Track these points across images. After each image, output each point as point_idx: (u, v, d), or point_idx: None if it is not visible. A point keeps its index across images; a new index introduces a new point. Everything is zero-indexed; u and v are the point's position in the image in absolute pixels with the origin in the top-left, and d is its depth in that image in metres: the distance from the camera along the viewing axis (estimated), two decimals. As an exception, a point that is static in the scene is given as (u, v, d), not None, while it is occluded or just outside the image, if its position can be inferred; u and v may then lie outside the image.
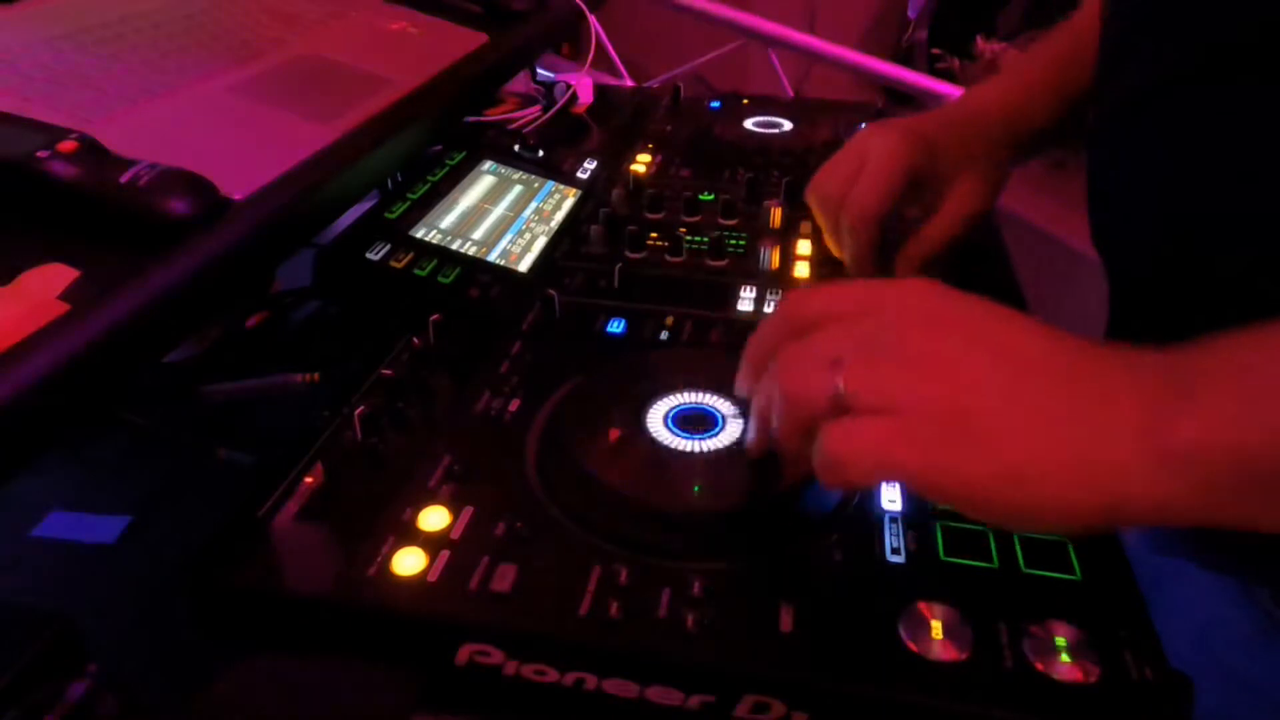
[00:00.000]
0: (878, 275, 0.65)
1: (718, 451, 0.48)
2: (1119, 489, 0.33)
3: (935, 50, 2.40)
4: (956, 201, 0.66)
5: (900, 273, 0.67)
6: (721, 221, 0.77)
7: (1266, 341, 0.33)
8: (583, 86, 0.99)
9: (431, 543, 0.44)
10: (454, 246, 0.70)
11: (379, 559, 0.43)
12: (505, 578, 0.42)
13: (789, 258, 0.72)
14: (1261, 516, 0.33)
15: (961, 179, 0.66)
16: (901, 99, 1.46)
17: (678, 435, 0.50)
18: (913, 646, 0.39)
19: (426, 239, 0.70)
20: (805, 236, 0.74)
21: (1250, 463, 0.31)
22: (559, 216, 0.78)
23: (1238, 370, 0.33)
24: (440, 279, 0.66)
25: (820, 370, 0.37)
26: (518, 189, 0.80)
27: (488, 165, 0.82)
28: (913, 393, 0.35)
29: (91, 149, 0.53)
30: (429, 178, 0.77)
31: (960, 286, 0.39)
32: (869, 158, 0.63)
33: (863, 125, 0.95)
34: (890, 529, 0.46)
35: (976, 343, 0.36)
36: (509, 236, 0.73)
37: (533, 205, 0.79)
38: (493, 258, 0.70)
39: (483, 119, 0.92)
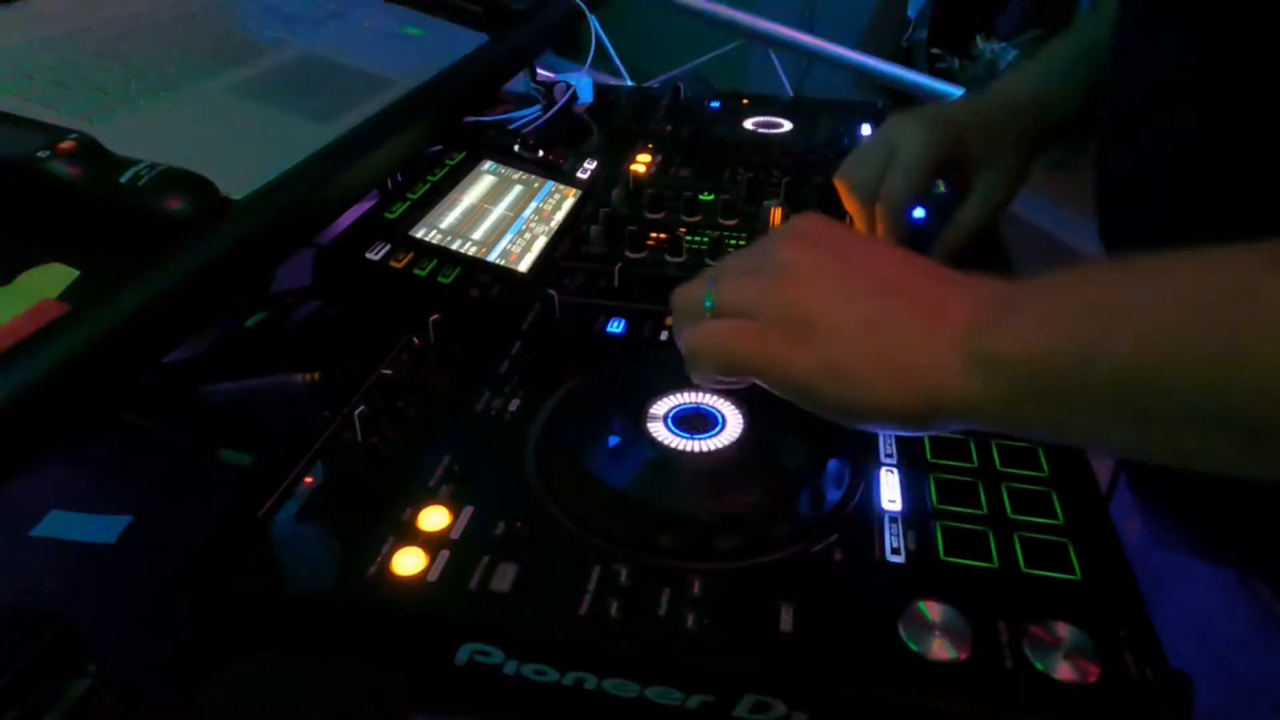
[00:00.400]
0: None
1: (717, 451, 0.48)
2: (930, 389, 0.36)
3: (935, 50, 2.40)
4: (986, 190, 0.66)
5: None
6: (721, 221, 0.77)
7: (1084, 271, 0.36)
8: (583, 86, 0.99)
9: (431, 543, 0.44)
10: (454, 246, 0.70)
11: (379, 559, 0.43)
12: (505, 578, 0.42)
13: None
14: (1058, 426, 0.35)
15: (990, 167, 0.66)
16: (901, 99, 1.46)
17: (677, 435, 0.50)
18: (913, 646, 0.39)
19: (426, 239, 0.69)
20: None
21: (1046, 371, 0.34)
22: (559, 216, 0.78)
23: (1048, 290, 0.36)
24: (440, 279, 0.66)
25: (703, 284, 0.42)
26: (518, 189, 0.80)
27: (488, 165, 0.82)
28: (767, 299, 0.40)
29: (91, 149, 0.53)
30: (429, 178, 0.77)
31: None
32: (900, 147, 0.63)
33: (863, 125, 0.95)
34: (890, 529, 0.46)
35: (836, 259, 0.40)
36: (509, 236, 0.73)
37: (533, 205, 0.79)
38: (493, 258, 0.70)
39: (483, 119, 0.92)
